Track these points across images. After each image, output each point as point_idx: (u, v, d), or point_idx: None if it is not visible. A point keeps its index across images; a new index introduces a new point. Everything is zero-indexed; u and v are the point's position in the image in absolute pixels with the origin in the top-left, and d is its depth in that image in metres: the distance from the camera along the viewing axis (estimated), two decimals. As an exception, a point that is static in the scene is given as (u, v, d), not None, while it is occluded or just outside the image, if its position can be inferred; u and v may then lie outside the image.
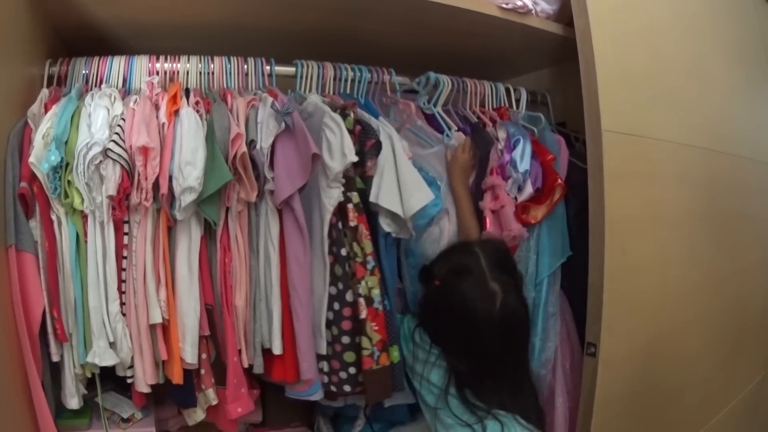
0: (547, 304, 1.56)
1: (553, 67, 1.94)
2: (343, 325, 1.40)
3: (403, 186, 1.40)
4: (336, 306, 1.40)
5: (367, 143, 1.39)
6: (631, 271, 1.45)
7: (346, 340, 1.40)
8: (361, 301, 1.38)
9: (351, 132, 1.35)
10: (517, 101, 1.68)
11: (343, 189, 1.36)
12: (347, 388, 1.42)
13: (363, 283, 1.38)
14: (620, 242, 1.40)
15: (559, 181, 1.53)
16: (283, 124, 1.27)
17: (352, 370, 1.41)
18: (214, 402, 1.36)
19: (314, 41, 1.51)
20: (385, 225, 1.43)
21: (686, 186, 1.60)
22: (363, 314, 1.38)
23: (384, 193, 1.39)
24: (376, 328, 1.39)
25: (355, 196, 1.38)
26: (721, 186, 1.70)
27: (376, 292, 1.39)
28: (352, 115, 1.38)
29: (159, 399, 1.49)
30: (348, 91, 1.51)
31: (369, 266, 1.40)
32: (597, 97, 1.39)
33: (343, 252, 1.39)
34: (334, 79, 1.47)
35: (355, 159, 1.32)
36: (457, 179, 1.57)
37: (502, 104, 1.65)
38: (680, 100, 1.61)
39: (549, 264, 1.56)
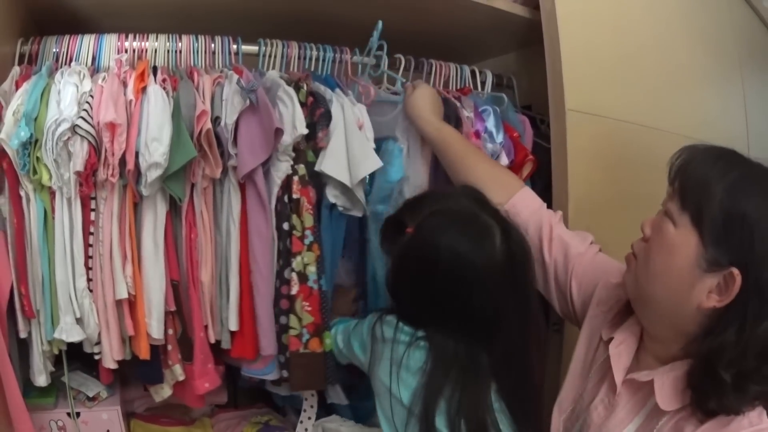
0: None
1: (520, 51, 2.05)
2: (282, 303, 1.45)
3: (351, 154, 1.43)
4: (277, 283, 1.45)
5: (316, 113, 1.43)
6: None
7: (283, 320, 1.45)
8: (294, 276, 1.42)
9: (303, 104, 1.42)
10: (482, 83, 1.78)
11: (291, 162, 1.43)
12: (285, 373, 1.46)
13: (299, 258, 1.42)
14: (585, 222, 1.50)
15: (530, 156, 1.63)
16: (247, 101, 1.36)
17: (289, 354, 1.45)
18: (181, 378, 1.44)
19: (280, 23, 1.61)
20: (332, 196, 1.46)
21: (654, 169, 1.70)
22: (294, 290, 1.42)
23: (329, 161, 1.43)
24: (309, 308, 1.43)
25: (301, 168, 1.44)
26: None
27: (311, 270, 1.43)
28: (305, 87, 1.45)
29: (125, 380, 1.58)
30: (312, 69, 1.59)
31: (306, 241, 1.43)
32: (561, 77, 1.50)
33: (285, 226, 1.43)
34: (299, 57, 1.56)
35: (305, 131, 1.38)
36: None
37: (467, 86, 1.75)
38: (648, 85, 1.73)
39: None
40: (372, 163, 1.44)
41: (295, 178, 1.43)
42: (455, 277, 1.14)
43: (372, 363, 1.25)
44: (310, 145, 1.45)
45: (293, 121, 1.38)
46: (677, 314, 0.99)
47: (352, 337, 1.38)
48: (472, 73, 1.76)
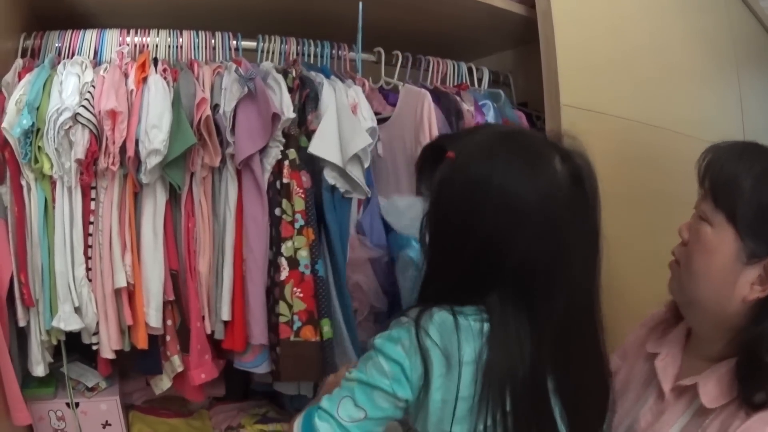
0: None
1: (517, 49, 2.08)
2: (275, 292, 1.44)
3: (342, 135, 1.44)
4: (271, 272, 1.45)
5: (303, 94, 1.47)
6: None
7: (277, 309, 1.43)
8: (283, 261, 1.41)
9: (291, 89, 1.45)
10: (479, 80, 1.82)
11: (281, 148, 1.44)
12: (280, 366, 1.43)
13: (289, 243, 1.42)
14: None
15: (528, 152, 1.65)
16: (245, 89, 1.39)
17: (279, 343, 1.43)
18: (180, 369, 1.45)
19: (279, 20, 1.65)
20: (330, 178, 1.46)
21: (650, 166, 1.74)
22: (282, 276, 1.40)
23: (318, 142, 1.43)
24: (301, 294, 1.41)
25: (292, 153, 1.45)
26: (687, 168, 1.83)
27: (303, 254, 1.42)
28: (293, 72, 1.48)
29: (124, 373, 1.60)
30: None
31: (297, 225, 1.42)
32: (556, 73, 1.53)
33: (277, 212, 1.44)
34: (297, 53, 1.60)
35: (293, 115, 1.41)
36: None
37: (464, 82, 1.79)
38: (644, 83, 1.76)
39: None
40: (361, 140, 1.43)
41: (286, 163, 1.44)
42: (510, 210, 0.90)
43: (424, 394, 0.92)
44: (302, 130, 1.48)
45: (281, 106, 1.40)
46: (724, 311, 1.01)
47: (374, 379, 0.94)
48: (469, 70, 1.80)
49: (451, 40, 1.91)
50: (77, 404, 1.49)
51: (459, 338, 0.90)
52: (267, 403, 1.72)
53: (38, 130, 1.31)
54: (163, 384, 1.49)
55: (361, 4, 1.52)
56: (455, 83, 1.79)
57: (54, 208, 1.35)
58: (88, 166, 1.34)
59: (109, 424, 1.53)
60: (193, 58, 1.55)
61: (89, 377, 1.53)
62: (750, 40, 2.33)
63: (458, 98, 1.65)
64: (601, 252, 0.98)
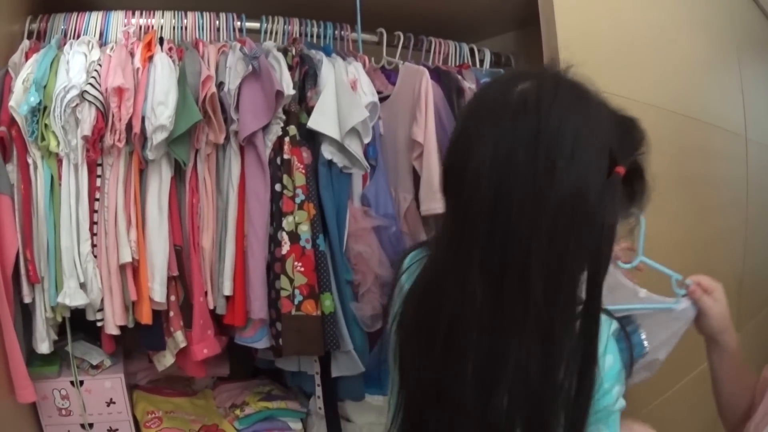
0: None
1: (518, 31, 2.11)
2: (276, 267, 1.48)
3: (340, 109, 1.49)
4: (271, 247, 1.49)
5: (302, 71, 1.51)
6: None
7: (278, 285, 1.47)
8: (284, 236, 1.46)
9: (290, 66, 1.49)
10: (481, 61, 1.86)
11: (282, 124, 1.49)
12: (281, 341, 1.47)
13: (290, 218, 1.47)
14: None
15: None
16: (250, 67, 1.43)
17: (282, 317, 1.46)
18: (183, 344, 1.48)
19: (284, 1, 1.68)
20: (328, 152, 1.52)
21: (652, 147, 1.76)
22: (284, 250, 1.45)
23: (317, 117, 1.49)
24: (302, 269, 1.45)
25: (292, 129, 1.50)
26: (689, 150, 1.86)
27: (303, 229, 1.47)
28: (293, 50, 1.53)
29: (128, 353, 1.63)
30: (313, 46, 1.66)
31: (298, 200, 1.47)
32: (557, 52, 1.55)
33: (278, 187, 1.49)
34: (300, 34, 1.64)
35: (292, 92, 1.46)
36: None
37: (465, 63, 1.82)
38: (644, 65, 1.78)
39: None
40: (358, 114, 1.48)
41: (286, 139, 1.49)
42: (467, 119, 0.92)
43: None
44: (303, 106, 1.52)
45: (281, 83, 1.44)
46: None
47: None
48: (471, 51, 1.84)
49: (454, 22, 1.94)
50: (81, 382, 1.52)
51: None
52: (271, 381, 1.75)
53: (45, 108, 1.34)
54: (166, 360, 1.52)
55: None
56: (457, 64, 1.82)
57: (60, 185, 1.38)
58: (95, 143, 1.37)
59: (114, 402, 1.55)
60: (197, 38, 1.58)
61: (94, 355, 1.56)
62: (751, 26, 2.36)
63: (459, 76, 1.68)
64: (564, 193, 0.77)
